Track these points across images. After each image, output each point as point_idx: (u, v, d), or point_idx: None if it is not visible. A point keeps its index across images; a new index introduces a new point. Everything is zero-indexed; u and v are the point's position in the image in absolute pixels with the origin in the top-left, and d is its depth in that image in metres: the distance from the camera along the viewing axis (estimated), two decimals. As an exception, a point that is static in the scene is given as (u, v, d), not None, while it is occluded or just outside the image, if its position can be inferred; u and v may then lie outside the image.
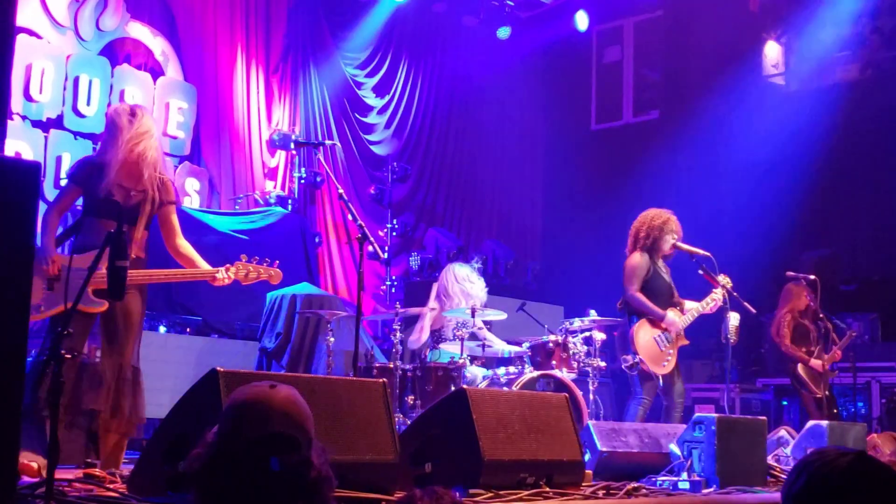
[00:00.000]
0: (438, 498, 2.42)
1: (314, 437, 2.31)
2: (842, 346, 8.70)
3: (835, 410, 8.81)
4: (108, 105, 5.59)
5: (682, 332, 7.32)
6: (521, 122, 14.64)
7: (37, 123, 9.53)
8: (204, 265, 5.36)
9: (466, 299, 8.12)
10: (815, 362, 8.57)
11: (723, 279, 7.36)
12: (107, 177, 5.08)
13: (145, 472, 3.90)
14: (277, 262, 5.62)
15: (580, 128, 14.69)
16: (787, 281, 8.93)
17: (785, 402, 10.93)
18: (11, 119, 9.12)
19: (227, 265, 5.39)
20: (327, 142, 10.87)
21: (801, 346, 8.82)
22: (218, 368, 3.65)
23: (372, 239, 5.33)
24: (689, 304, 7.44)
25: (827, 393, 8.58)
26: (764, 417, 6.26)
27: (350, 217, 5.48)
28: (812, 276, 8.44)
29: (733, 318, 7.36)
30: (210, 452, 2.23)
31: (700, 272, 7.44)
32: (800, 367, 8.78)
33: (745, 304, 7.42)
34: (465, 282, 8.32)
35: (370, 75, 12.97)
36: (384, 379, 4.42)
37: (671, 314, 7.22)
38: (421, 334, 8.26)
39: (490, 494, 4.26)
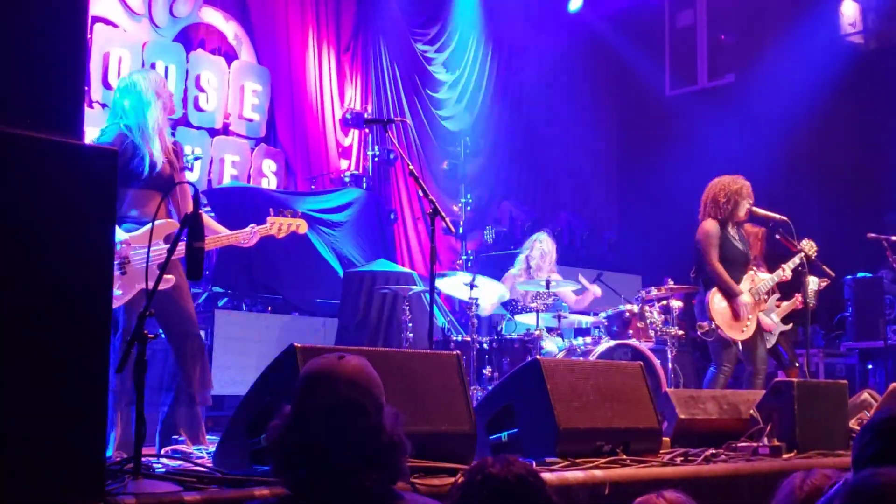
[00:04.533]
0: (510, 464, 2.46)
1: (385, 404, 2.37)
2: (806, 296, 7.62)
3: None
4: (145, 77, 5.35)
5: (762, 297, 7.24)
6: (594, 91, 14.52)
7: (117, 111, 9.75)
8: (224, 230, 5.39)
9: (543, 272, 8.18)
10: (763, 318, 7.64)
11: (806, 243, 7.26)
12: (149, 146, 5.03)
13: (230, 446, 4.01)
14: (300, 211, 5.76)
15: (655, 94, 14.51)
16: (869, 242, 8.72)
17: (870, 366, 10.74)
18: (91, 107, 9.35)
19: (253, 224, 5.42)
20: (396, 118, 10.93)
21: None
22: (296, 344, 3.75)
23: (443, 214, 5.35)
24: (762, 275, 7.35)
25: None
26: (845, 381, 6.18)
27: (421, 193, 5.52)
28: (894, 238, 8.25)
29: (812, 283, 7.25)
30: (284, 423, 2.31)
31: (777, 237, 7.35)
32: None
33: (824, 267, 7.31)
34: (549, 255, 8.38)
35: (440, 50, 12.99)
36: (458, 351, 4.47)
37: (745, 297, 7.10)
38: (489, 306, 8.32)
39: (566, 462, 4.30)
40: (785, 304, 7.75)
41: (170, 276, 4.85)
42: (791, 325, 7.76)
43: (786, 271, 7.30)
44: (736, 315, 7.06)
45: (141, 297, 4.80)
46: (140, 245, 4.83)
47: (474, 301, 7.69)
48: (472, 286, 7.54)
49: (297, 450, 2.26)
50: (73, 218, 2.94)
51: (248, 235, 5.35)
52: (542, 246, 8.35)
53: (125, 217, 4.95)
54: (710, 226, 7.18)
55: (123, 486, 3.16)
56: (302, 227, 5.64)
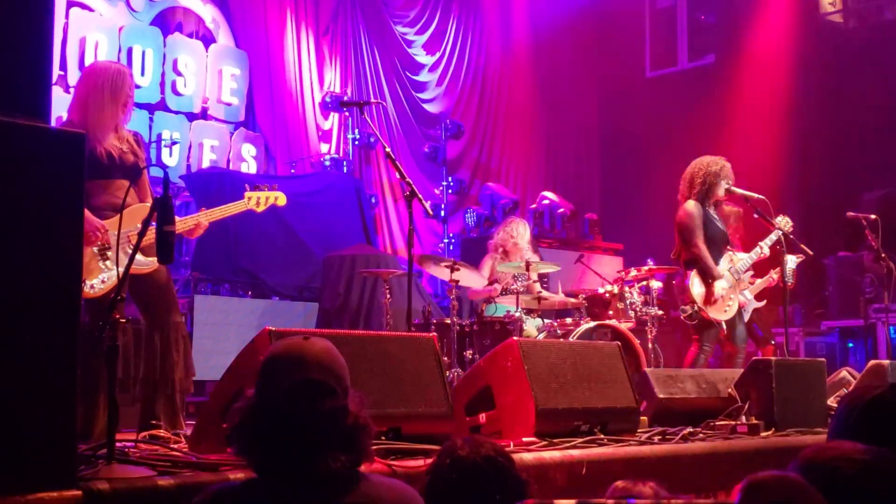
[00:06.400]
0: (478, 446, 2.45)
1: (350, 387, 2.35)
2: (785, 275, 7.29)
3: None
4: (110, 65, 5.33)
5: (742, 276, 7.25)
6: (574, 73, 14.50)
7: (94, 96, 9.68)
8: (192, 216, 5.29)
9: (519, 255, 8.17)
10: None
11: (782, 220, 7.26)
12: (107, 136, 4.99)
13: (206, 430, 4.00)
14: (276, 184, 5.63)
15: (635, 75, 14.52)
16: (848, 221, 8.73)
17: (851, 345, 10.79)
18: (68, 92, 9.28)
19: (202, 209, 5.33)
20: (373, 101, 10.88)
21: None
22: (269, 328, 3.74)
23: (420, 196, 5.33)
24: (741, 255, 7.36)
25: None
26: (823, 359, 6.20)
27: (398, 176, 5.50)
28: (873, 216, 8.26)
29: (790, 262, 7.25)
30: (249, 405, 2.29)
31: (755, 216, 7.35)
32: None
33: (802, 246, 7.32)
34: (520, 238, 8.36)
35: (420, 32, 12.95)
36: (435, 333, 4.46)
37: (721, 283, 7.05)
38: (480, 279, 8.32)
39: (544, 442, 4.30)
40: (759, 280, 7.76)
41: (151, 259, 4.82)
42: (765, 301, 7.75)
43: (763, 249, 7.31)
44: (713, 297, 7.06)
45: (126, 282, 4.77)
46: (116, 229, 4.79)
47: (455, 283, 7.68)
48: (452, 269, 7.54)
49: (264, 431, 2.24)
50: (41, 201, 2.91)
51: (196, 226, 5.20)
52: (516, 229, 8.33)
53: (99, 208, 4.91)
54: (691, 207, 7.15)
55: (96, 471, 3.14)
56: (280, 199, 5.56)
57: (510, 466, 2.45)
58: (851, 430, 2.20)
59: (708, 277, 7.07)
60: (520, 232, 8.40)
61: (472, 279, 8.05)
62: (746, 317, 7.58)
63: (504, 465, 2.43)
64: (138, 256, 4.51)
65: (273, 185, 5.59)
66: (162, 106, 10.34)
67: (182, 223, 5.11)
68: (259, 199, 5.47)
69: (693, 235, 7.10)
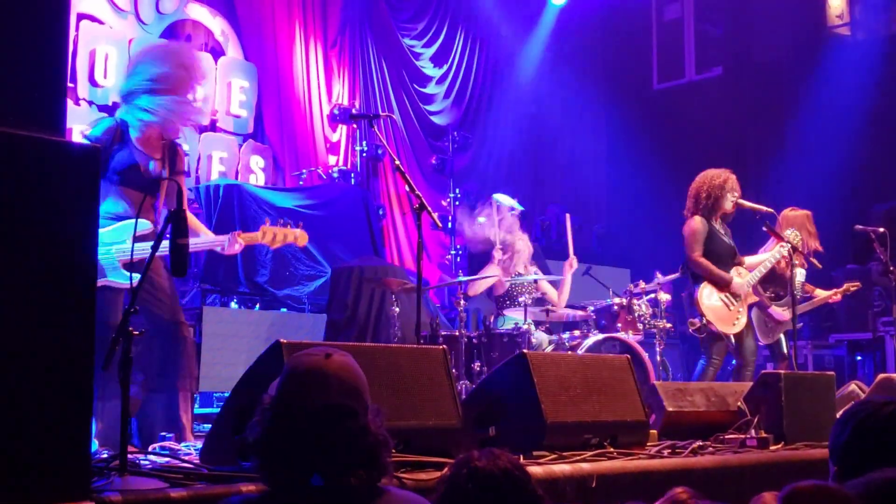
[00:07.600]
0: (495, 458, 2.45)
1: (369, 402, 2.34)
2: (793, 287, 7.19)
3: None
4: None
5: (751, 290, 7.26)
6: (582, 85, 14.52)
7: (103, 108, 9.71)
8: (210, 234, 5.24)
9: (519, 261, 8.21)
10: (777, 310, 7.63)
11: (791, 234, 7.27)
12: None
13: (217, 442, 4.00)
14: (301, 223, 5.46)
15: (642, 88, 14.53)
16: (857, 234, 8.73)
17: (859, 358, 10.77)
18: (78, 105, 9.32)
19: (238, 231, 5.24)
20: (382, 114, 10.89)
21: (766, 287, 7.86)
22: (281, 340, 3.74)
23: (430, 209, 5.33)
24: (753, 259, 7.35)
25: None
26: (832, 372, 6.20)
27: (407, 188, 5.49)
28: (881, 229, 8.26)
29: (799, 274, 7.26)
30: (268, 422, 2.28)
31: (764, 228, 7.36)
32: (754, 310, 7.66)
33: (812, 258, 7.33)
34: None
35: (427, 45, 12.97)
36: (444, 346, 4.46)
37: (737, 280, 7.12)
38: (479, 284, 8.35)
39: (554, 456, 4.30)
40: (821, 293, 7.76)
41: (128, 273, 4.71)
42: (801, 324, 7.72)
43: (769, 263, 7.30)
44: (732, 302, 7.06)
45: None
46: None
47: (464, 296, 7.69)
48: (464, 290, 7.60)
49: (283, 449, 2.23)
50: (56, 215, 2.92)
51: (230, 241, 5.13)
52: (499, 207, 8.39)
53: (102, 216, 4.87)
54: (695, 223, 7.19)
55: (110, 482, 3.15)
56: (301, 238, 5.39)
57: (526, 480, 2.44)
58: (872, 447, 2.20)
59: (721, 285, 7.08)
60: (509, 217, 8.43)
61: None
62: (774, 336, 7.54)
63: (521, 478, 2.43)
64: (119, 275, 4.48)
65: (298, 223, 5.42)
66: (171, 118, 10.35)
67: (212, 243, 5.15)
68: (275, 235, 5.29)
69: (691, 249, 7.14)
